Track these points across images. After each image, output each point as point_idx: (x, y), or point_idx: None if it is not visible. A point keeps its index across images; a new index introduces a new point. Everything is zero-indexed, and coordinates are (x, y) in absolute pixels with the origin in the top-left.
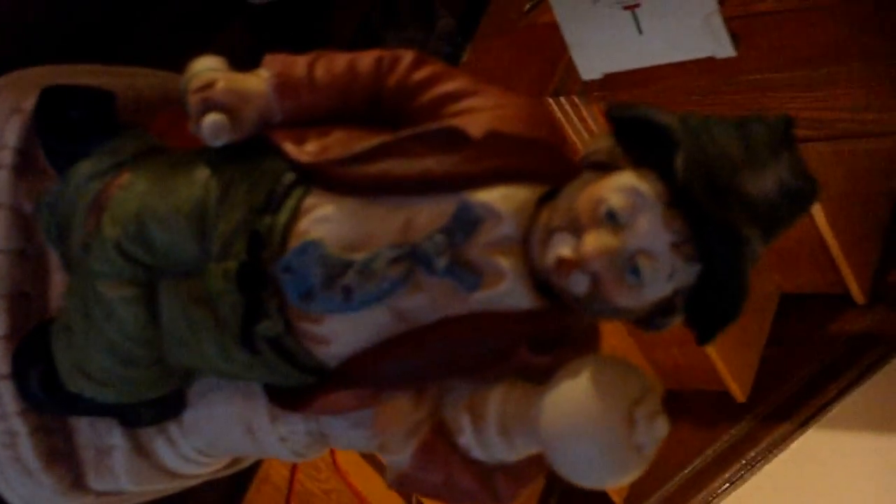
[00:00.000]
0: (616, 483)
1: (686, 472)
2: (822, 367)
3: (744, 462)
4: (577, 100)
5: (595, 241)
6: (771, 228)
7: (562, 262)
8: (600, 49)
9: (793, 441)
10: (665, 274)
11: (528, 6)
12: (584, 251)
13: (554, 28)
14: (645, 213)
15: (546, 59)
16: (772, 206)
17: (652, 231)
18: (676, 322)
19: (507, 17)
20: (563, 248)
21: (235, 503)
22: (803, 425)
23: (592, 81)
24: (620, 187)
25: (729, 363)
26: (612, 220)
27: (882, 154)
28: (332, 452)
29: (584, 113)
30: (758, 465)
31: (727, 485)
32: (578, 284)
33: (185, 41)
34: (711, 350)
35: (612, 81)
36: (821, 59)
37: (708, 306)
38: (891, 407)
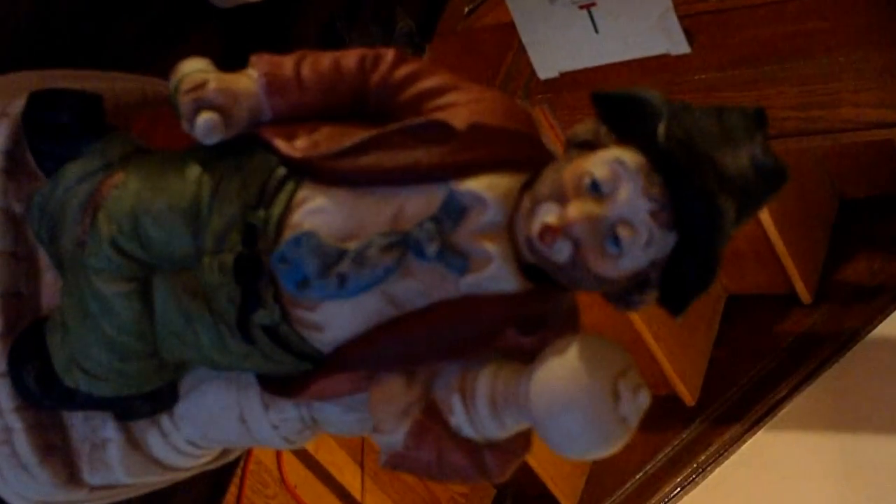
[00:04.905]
0: (601, 454)
1: (638, 477)
2: (770, 367)
3: (695, 465)
4: (519, 102)
5: (579, 208)
6: (745, 205)
7: (546, 229)
8: (557, 48)
9: (743, 443)
10: (643, 241)
11: (467, 9)
12: (568, 217)
13: (496, 30)
14: (626, 183)
15: (488, 62)
16: (746, 181)
17: (632, 200)
18: (651, 299)
19: (454, 20)
20: (549, 215)
21: None
22: (753, 427)
23: (535, 84)
24: (605, 160)
25: (677, 367)
26: (595, 190)
27: (828, 152)
28: (280, 468)
29: None
30: (709, 467)
31: (679, 489)
32: (561, 252)
33: (155, 45)
34: (659, 354)
35: (555, 84)
36: (764, 56)
37: (680, 279)
38: (839, 405)
